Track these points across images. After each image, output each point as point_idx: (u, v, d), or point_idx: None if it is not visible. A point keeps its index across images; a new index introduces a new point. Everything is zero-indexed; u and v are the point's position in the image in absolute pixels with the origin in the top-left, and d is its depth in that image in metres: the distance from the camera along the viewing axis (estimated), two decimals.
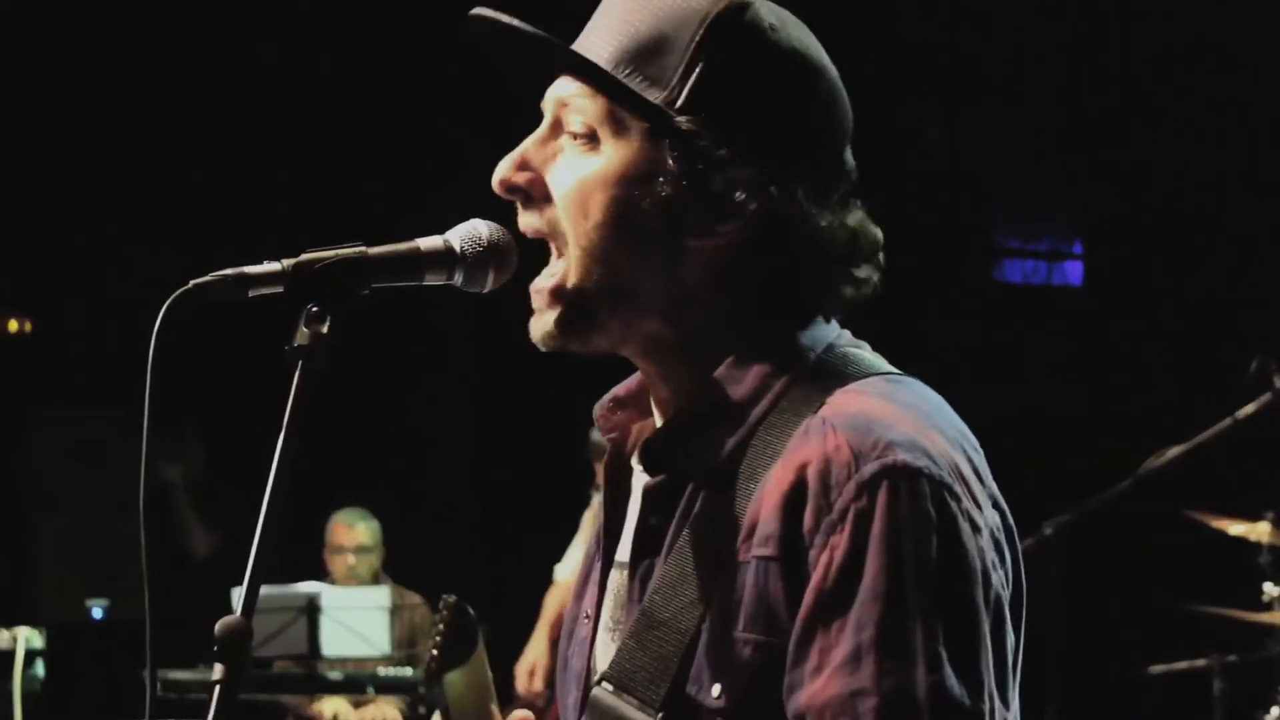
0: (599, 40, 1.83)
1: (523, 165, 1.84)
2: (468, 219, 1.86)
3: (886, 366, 1.85)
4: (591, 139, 1.82)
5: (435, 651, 2.18)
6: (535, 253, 1.89)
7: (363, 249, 1.79)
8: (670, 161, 1.79)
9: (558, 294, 1.83)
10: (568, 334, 1.84)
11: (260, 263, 1.77)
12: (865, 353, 1.86)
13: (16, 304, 9.52)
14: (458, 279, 1.85)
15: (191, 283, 1.75)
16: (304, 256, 1.77)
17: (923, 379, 1.86)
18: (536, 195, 1.84)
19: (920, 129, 9.86)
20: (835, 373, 1.80)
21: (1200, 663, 6.05)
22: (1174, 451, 5.29)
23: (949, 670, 1.64)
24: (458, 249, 1.84)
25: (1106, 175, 9.82)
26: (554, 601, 7.00)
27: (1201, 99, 9.22)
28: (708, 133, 1.78)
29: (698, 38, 1.80)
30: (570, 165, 1.82)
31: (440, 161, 8.80)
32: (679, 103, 1.79)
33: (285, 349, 1.72)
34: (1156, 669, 6.22)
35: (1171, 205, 9.44)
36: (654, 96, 1.80)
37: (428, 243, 1.84)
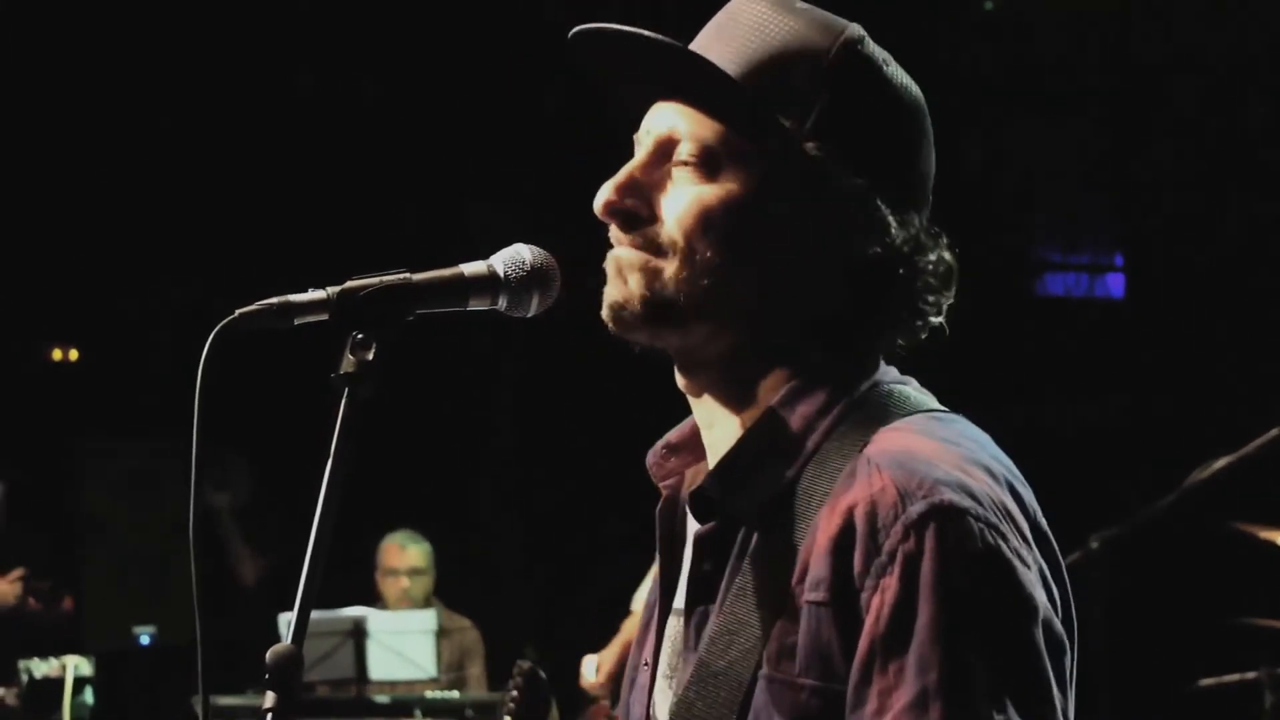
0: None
1: (631, 190, 1.82)
2: (510, 244, 1.85)
3: (932, 403, 1.84)
4: (708, 164, 1.79)
5: (508, 718, 2.18)
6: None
7: (406, 276, 1.78)
8: (795, 189, 1.78)
9: (651, 292, 1.80)
10: (643, 325, 1.81)
11: (305, 290, 1.77)
12: (910, 389, 1.85)
13: (62, 334, 9.57)
14: (502, 304, 1.83)
15: (237, 312, 1.75)
16: (348, 284, 1.77)
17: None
18: (644, 218, 1.81)
19: (961, 142, 9.83)
20: (880, 409, 1.79)
21: (1250, 675, 5.99)
22: (1220, 463, 5.24)
23: (1013, 711, 1.63)
24: (501, 274, 1.82)
25: (1147, 187, 9.78)
26: (631, 627, 6.96)
27: (1241, 110, 9.18)
28: (834, 162, 1.77)
29: (823, 69, 1.79)
30: (689, 191, 1.79)
31: (482, 187, 8.82)
32: (805, 129, 1.78)
33: (331, 376, 1.72)
34: (1206, 682, 6.17)
35: (1212, 216, 9.39)
36: (781, 122, 1.77)
37: (471, 268, 1.83)
